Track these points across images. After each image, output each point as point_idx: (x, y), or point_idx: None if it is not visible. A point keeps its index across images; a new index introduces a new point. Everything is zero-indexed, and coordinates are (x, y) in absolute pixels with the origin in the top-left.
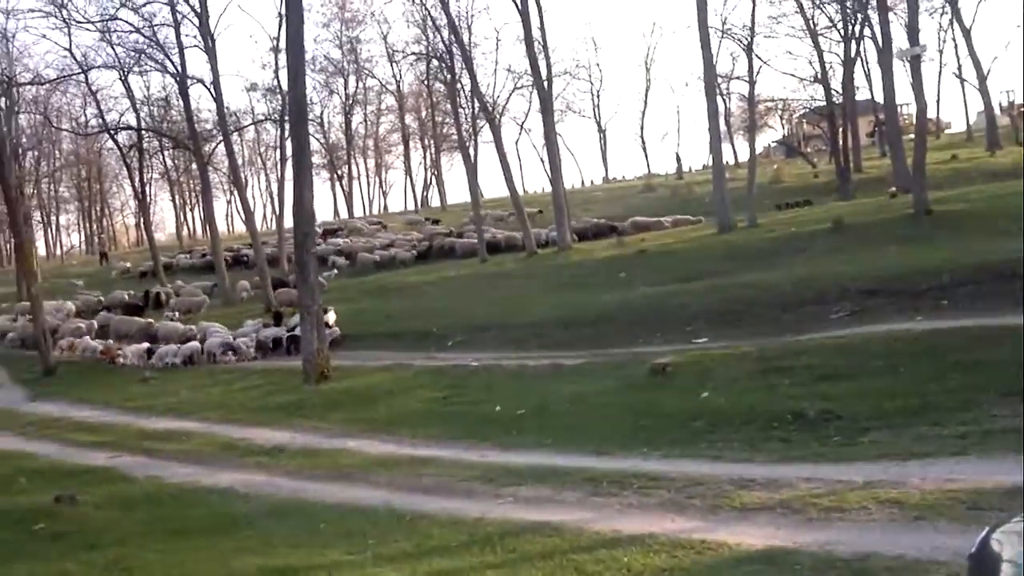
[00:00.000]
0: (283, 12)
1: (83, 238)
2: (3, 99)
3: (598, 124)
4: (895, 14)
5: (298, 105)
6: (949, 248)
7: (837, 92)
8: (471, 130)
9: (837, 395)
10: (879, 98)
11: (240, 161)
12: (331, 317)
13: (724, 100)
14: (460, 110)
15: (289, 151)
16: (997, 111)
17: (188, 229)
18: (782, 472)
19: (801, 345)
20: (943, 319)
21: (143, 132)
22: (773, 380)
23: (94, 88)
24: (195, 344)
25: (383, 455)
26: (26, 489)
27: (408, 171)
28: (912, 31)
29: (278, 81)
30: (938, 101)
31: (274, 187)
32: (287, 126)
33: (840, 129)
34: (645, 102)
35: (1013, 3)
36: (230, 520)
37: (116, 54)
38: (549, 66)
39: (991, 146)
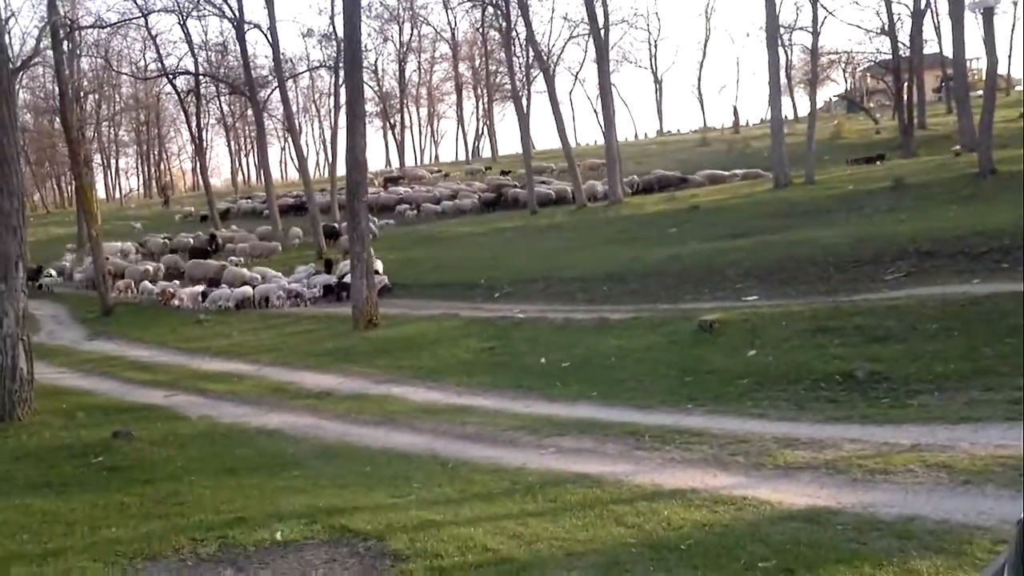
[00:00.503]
0: None
1: (141, 181)
2: (65, 42)
3: (654, 75)
4: None
5: (353, 52)
6: (1012, 209)
7: (904, 45)
8: (524, 80)
9: (888, 357)
10: (947, 52)
11: (295, 108)
12: (379, 265)
13: (786, 52)
14: (514, 59)
15: (343, 99)
16: None
17: (243, 175)
18: (828, 432)
19: (854, 306)
20: (1001, 282)
21: (200, 77)
22: (823, 340)
23: (153, 32)
24: (247, 289)
25: (428, 402)
26: (85, 424)
27: (460, 121)
28: None
29: (333, 27)
30: (1010, 57)
31: (328, 134)
32: (341, 73)
33: (905, 84)
34: (704, 53)
35: None
36: (279, 460)
37: None
38: (607, 14)
39: None
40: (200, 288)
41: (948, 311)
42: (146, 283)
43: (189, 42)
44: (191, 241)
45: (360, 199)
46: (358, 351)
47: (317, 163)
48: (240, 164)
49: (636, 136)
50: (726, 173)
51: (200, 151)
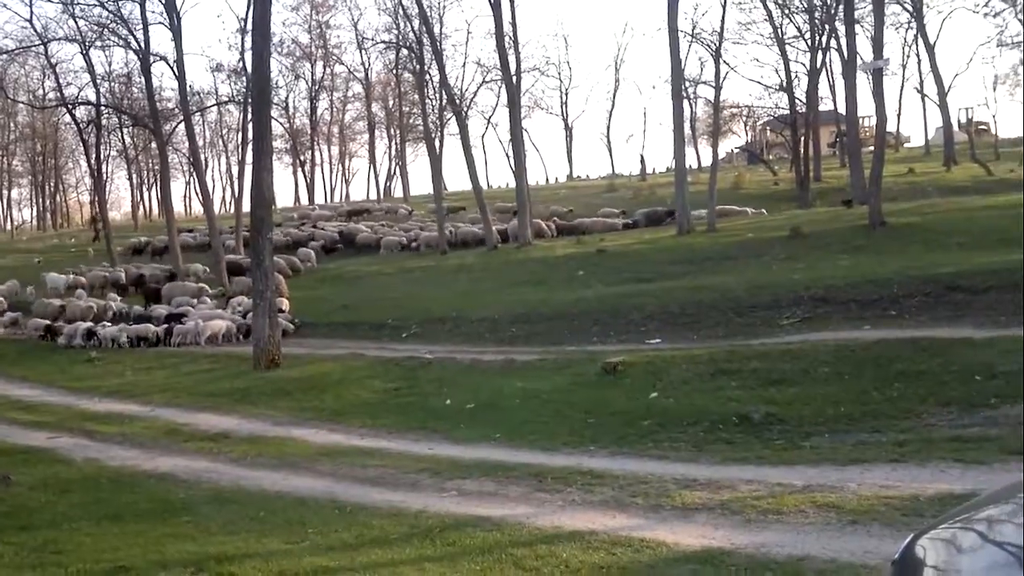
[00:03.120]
0: None
1: (35, 213)
2: None
3: (565, 122)
4: (861, 27)
5: (261, 88)
6: (900, 260)
7: (801, 101)
8: (437, 122)
9: (783, 399)
10: (842, 109)
11: (201, 142)
12: (284, 304)
13: (690, 104)
14: (427, 101)
15: (251, 134)
16: (955, 127)
17: (144, 209)
18: (725, 473)
19: (751, 349)
20: (890, 329)
21: (102, 108)
22: (721, 383)
23: (53, 61)
24: (146, 327)
25: (329, 445)
26: None
27: (372, 160)
28: (877, 44)
29: (244, 63)
30: (899, 115)
31: (235, 170)
32: (250, 109)
33: (802, 138)
34: (612, 102)
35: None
36: (167, 506)
37: (78, 27)
38: (519, 61)
39: (948, 162)
40: (86, 325)
41: (840, 356)
42: (35, 319)
43: (91, 72)
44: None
45: (265, 235)
46: (258, 392)
47: (223, 199)
48: (141, 197)
49: (547, 180)
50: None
51: (99, 184)
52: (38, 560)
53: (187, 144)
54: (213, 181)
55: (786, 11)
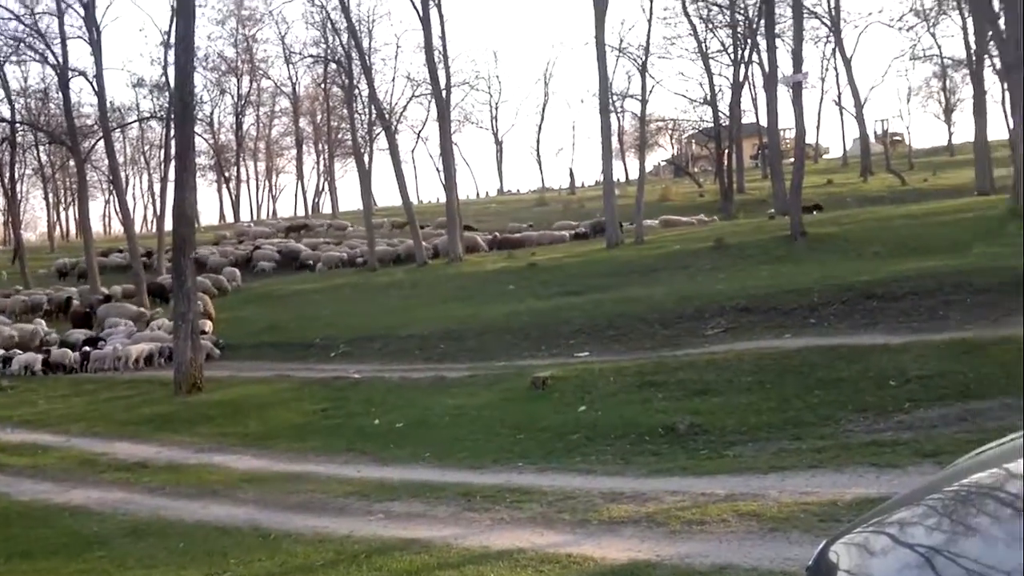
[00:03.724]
0: (175, 7)
1: None
2: None
3: (495, 136)
4: (782, 41)
5: (185, 103)
6: (819, 269)
7: (724, 115)
8: (367, 136)
9: (707, 409)
10: (764, 122)
11: (122, 160)
12: (207, 326)
13: (618, 118)
14: (356, 116)
15: (174, 150)
16: (872, 139)
17: (61, 229)
18: (651, 485)
19: (677, 360)
20: (810, 337)
21: (17, 125)
22: (648, 394)
23: None
24: (63, 352)
25: (253, 470)
26: None
27: (300, 176)
28: (796, 58)
29: (167, 78)
30: (818, 127)
31: (157, 187)
32: (173, 125)
33: (726, 151)
34: (542, 116)
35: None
36: (81, 540)
37: None
38: (448, 76)
39: (864, 172)
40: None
41: (762, 365)
42: None
43: (5, 88)
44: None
45: (187, 255)
46: (179, 418)
47: (145, 217)
48: (58, 217)
49: (478, 195)
50: (683, 219)
51: (13, 204)
52: None
53: (107, 162)
54: (134, 199)
55: (709, 26)
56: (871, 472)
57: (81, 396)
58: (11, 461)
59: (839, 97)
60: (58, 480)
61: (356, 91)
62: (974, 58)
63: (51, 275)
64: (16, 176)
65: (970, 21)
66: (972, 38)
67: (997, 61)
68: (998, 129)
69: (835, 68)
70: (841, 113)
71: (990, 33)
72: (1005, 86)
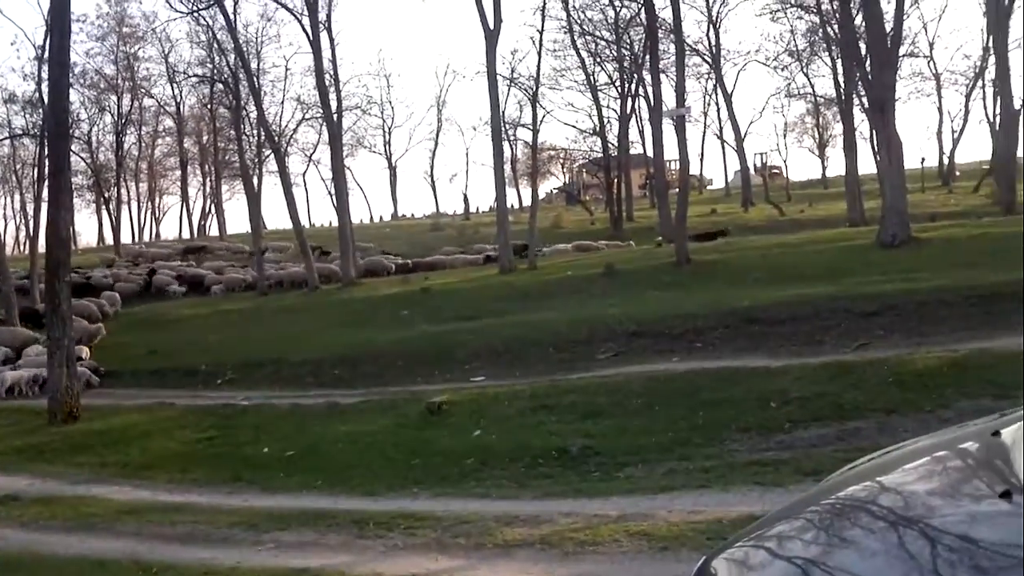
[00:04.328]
0: (48, 21)
1: None
2: None
3: (389, 160)
4: (666, 76)
5: (59, 120)
6: (704, 294)
7: (613, 145)
8: (256, 159)
9: (598, 432)
10: (651, 153)
11: None
12: (83, 352)
13: (510, 146)
14: (244, 137)
15: (48, 170)
16: (752, 171)
17: None
18: (544, 508)
19: (569, 383)
20: (696, 360)
21: None
22: (542, 417)
23: None
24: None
25: (133, 501)
26: None
27: (185, 198)
28: (680, 93)
29: (40, 94)
30: (701, 159)
31: (30, 208)
32: (47, 143)
33: (615, 180)
34: (436, 142)
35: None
36: None
37: None
38: (340, 99)
39: (745, 203)
40: None
41: (651, 387)
42: None
43: None
44: None
45: (61, 279)
46: (53, 448)
47: (17, 238)
48: None
49: (372, 219)
50: (591, 243)
51: None
52: None
53: None
54: (5, 220)
55: (597, 59)
56: (755, 490)
57: None
58: None
59: (720, 131)
60: None
61: (244, 112)
62: (843, 96)
63: None
64: None
65: (839, 63)
66: (841, 78)
67: (864, 100)
68: (867, 163)
69: (716, 103)
70: (723, 146)
71: (857, 74)
72: (872, 124)
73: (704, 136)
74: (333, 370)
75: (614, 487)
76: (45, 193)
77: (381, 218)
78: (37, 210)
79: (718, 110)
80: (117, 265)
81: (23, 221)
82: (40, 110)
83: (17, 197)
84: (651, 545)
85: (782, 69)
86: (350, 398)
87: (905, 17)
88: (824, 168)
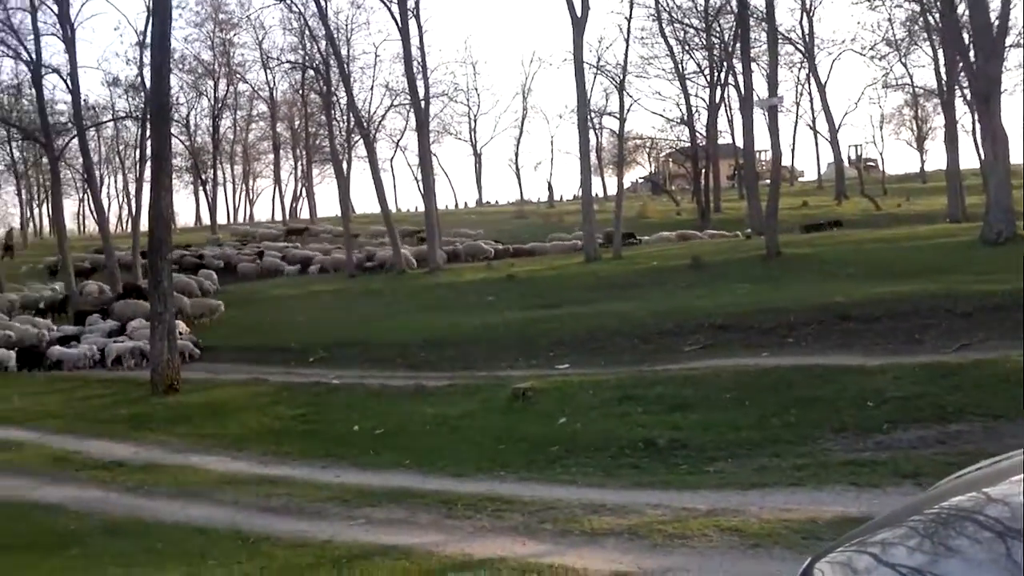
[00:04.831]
0: (150, 7)
1: None
2: None
3: (474, 147)
4: (757, 64)
5: (160, 104)
6: (795, 289)
7: (701, 135)
8: (345, 144)
9: (686, 425)
10: (740, 143)
11: (96, 158)
12: (183, 326)
13: (596, 134)
14: (335, 123)
15: (149, 151)
16: (846, 163)
17: (35, 226)
18: (631, 498)
19: (656, 375)
20: (787, 356)
21: None
22: (628, 408)
23: None
24: (5, 352)
25: (231, 473)
26: None
27: (277, 181)
28: (772, 83)
29: (142, 78)
30: (793, 150)
31: (131, 187)
32: (148, 125)
33: (703, 170)
34: (520, 130)
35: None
36: (57, 537)
37: None
38: (427, 86)
39: (839, 196)
40: None
41: (740, 382)
42: None
43: None
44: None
45: (163, 256)
46: (156, 418)
47: (119, 217)
48: (32, 214)
49: (456, 205)
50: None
51: None
52: None
53: (81, 160)
54: (108, 199)
55: (686, 48)
56: (850, 491)
57: (56, 394)
58: None
59: (813, 121)
60: (33, 477)
61: (334, 98)
62: (944, 88)
63: (34, 272)
64: None
65: (941, 52)
66: (943, 69)
67: (968, 92)
68: (969, 157)
69: (809, 93)
70: (816, 137)
71: (960, 64)
72: (975, 116)
73: (796, 127)
74: (420, 353)
75: (703, 481)
76: (147, 174)
77: (466, 204)
78: (139, 190)
79: (811, 100)
80: (225, 245)
81: (125, 201)
82: (142, 94)
83: (120, 177)
84: (743, 541)
85: (879, 59)
86: (436, 381)
87: (1012, 6)
88: (923, 162)
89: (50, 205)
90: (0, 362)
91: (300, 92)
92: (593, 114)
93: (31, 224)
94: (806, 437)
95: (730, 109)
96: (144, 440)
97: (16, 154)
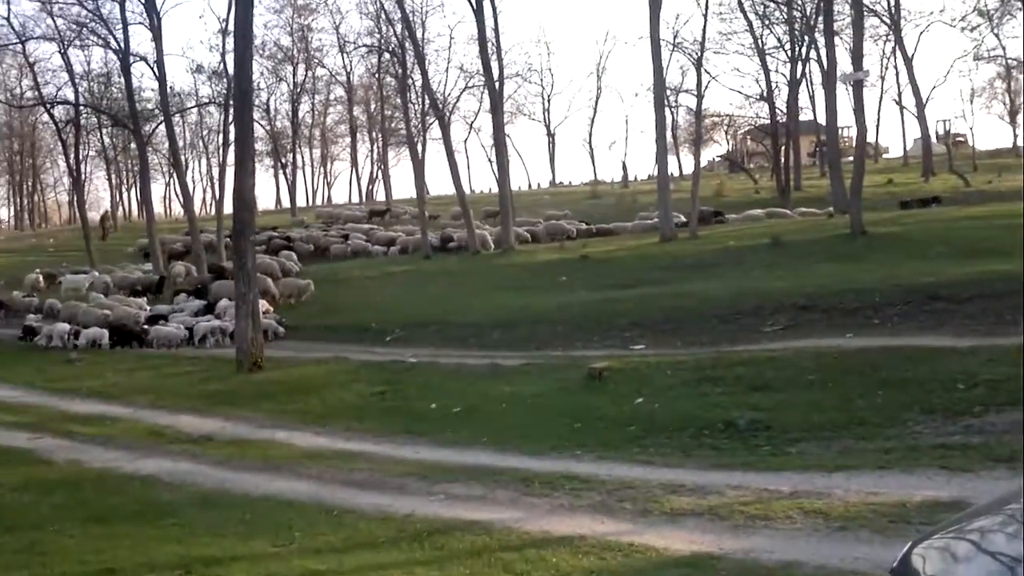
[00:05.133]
0: None
1: (12, 213)
2: None
3: (547, 128)
4: (841, 38)
5: (243, 90)
6: (881, 269)
7: (781, 111)
8: (420, 126)
9: (767, 406)
10: (821, 119)
11: (181, 143)
12: (266, 306)
13: (672, 112)
14: (410, 105)
15: (232, 136)
16: (933, 139)
17: (124, 209)
18: (711, 479)
19: (735, 356)
20: (872, 337)
21: (81, 107)
22: (706, 389)
23: (31, 59)
24: (96, 331)
25: (314, 448)
26: None
27: (354, 163)
28: (856, 56)
29: (224, 65)
30: (878, 126)
31: (215, 171)
32: (231, 110)
33: (782, 147)
34: (595, 109)
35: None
36: (152, 508)
37: (56, 26)
38: (501, 67)
39: (926, 172)
40: (67, 326)
41: (823, 363)
42: (60, 325)
43: (70, 71)
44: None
45: (247, 238)
46: (241, 394)
47: (203, 200)
48: (120, 198)
49: (529, 186)
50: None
51: (78, 184)
52: (24, 562)
53: (167, 145)
54: (193, 183)
55: (766, 22)
56: (941, 475)
57: (146, 370)
58: (82, 430)
59: (899, 96)
60: (127, 449)
61: (410, 81)
62: None
63: (137, 254)
64: (80, 157)
65: None
66: None
67: None
68: None
69: (895, 67)
70: (902, 112)
71: None
72: None
73: (881, 101)
74: (494, 332)
75: (786, 462)
76: (230, 158)
77: (539, 185)
78: (222, 174)
79: (896, 74)
80: (311, 227)
81: (209, 184)
82: (224, 80)
83: (204, 161)
84: (828, 524)
85: (970, 30)
86: (511, 360)
87: None
88: (1015, 136)
89: (138, 189)
90: (95, 340)
91: (376, 75)
92: (669, 92)
93: (120, 208)
94: (894, 419)
95: (811, 85)
96: (231, 415)
97: (106, 140)
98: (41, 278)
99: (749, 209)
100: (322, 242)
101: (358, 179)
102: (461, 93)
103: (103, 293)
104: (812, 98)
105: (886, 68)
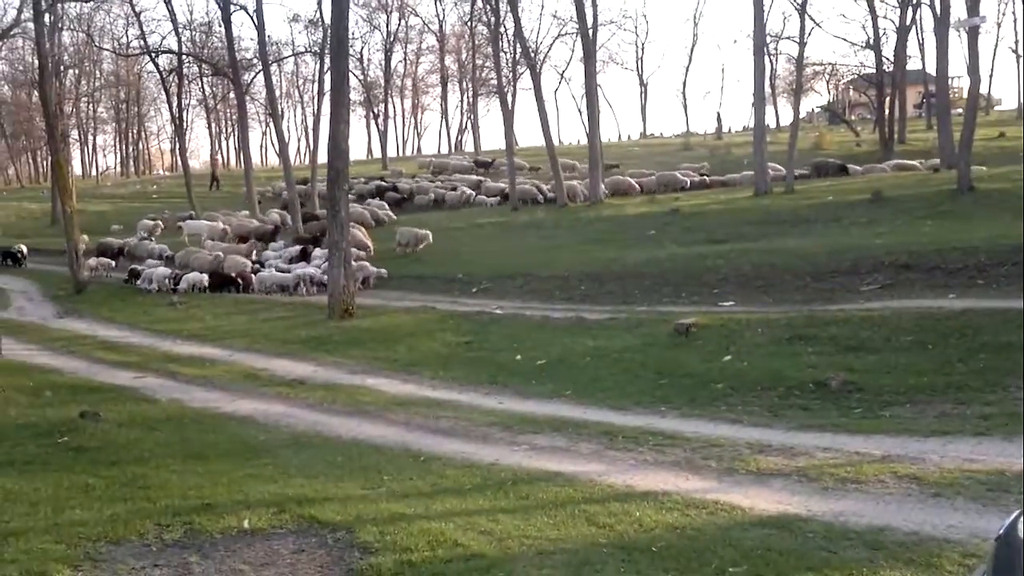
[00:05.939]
0: None
1: (118, 160)
2: (47, 14)
3: (640, 77)
4: None
5: (339, 39)
6: (988, 227)
7: (888, 60)
8: (510, 76)
9: (861, 367)
10: (930, 69)
11: (278, 93)
12: (361, 254)
13: (771, 61)
14: (501, 54)
15: (327, 85)
16: None
17: (223, 158)
18: (800, 440)
19: (829, 315)
20: (977, 298)
21: (183, 57)
22: (797, 348)
23: (137, 9)
24: (196, 275)
25: (402, 395)
26: (52, 403)
27: (444, 114)
28: (972, 0)
29: (320, 14)
30: (991, 76)
31: (310, 121)
32: (327, 60)
33: (887, 98)
34: (690, 58)
35: None
36: (248, 447)
37: None
38: (595, 14)
39: None
40: (169, 270)
41: (923, 324)
42: (161, 270)
43: (173, 20)
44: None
45: (340, 187)
46: (333, 340)
47: (298, 149)
48: (220, 147)
49: (620, 137)
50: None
51: (180, 132)
52: (128, 494)
53: (264, 94)
54: (288, 132)
55: None
56: None
57: (243, 315)
58: (182, 370)
59: (1016, 44)
60: (225, 391)
61: (502, 29)
62: None
63: (240, 201)
64: (182, 106)
65: None
66: None
67: None
68: None
69: (1013, 12)
70: (1018, 61)
71: None
72: None
73: (996, 49)
74: (580, 286)
75: (878, 425)
76: (325, 107)
77: (629, 137)
78: (316, 123)
79: (1014, 20)
80: (419, 177)
81: (303, 133)
82: (320, 28)
83: (299, 111)
84: (921, 490)
85: None
86: (596, 314)
87: None
88: None
89: (236, 138)
90: (195, 284)
91: (468, 23)
92: (770, 39)
93: (219, 155)
94: (995, 384)
95: (921, 32)
96: (322, 360)
97: (206, 89)
98: (160, 223)
99: (850, 162)
100: (435, 193)
101: (448, 129)
102: (554, 41)
103: (220, 240)
104: (922, 46)
105: (1003, 13)
